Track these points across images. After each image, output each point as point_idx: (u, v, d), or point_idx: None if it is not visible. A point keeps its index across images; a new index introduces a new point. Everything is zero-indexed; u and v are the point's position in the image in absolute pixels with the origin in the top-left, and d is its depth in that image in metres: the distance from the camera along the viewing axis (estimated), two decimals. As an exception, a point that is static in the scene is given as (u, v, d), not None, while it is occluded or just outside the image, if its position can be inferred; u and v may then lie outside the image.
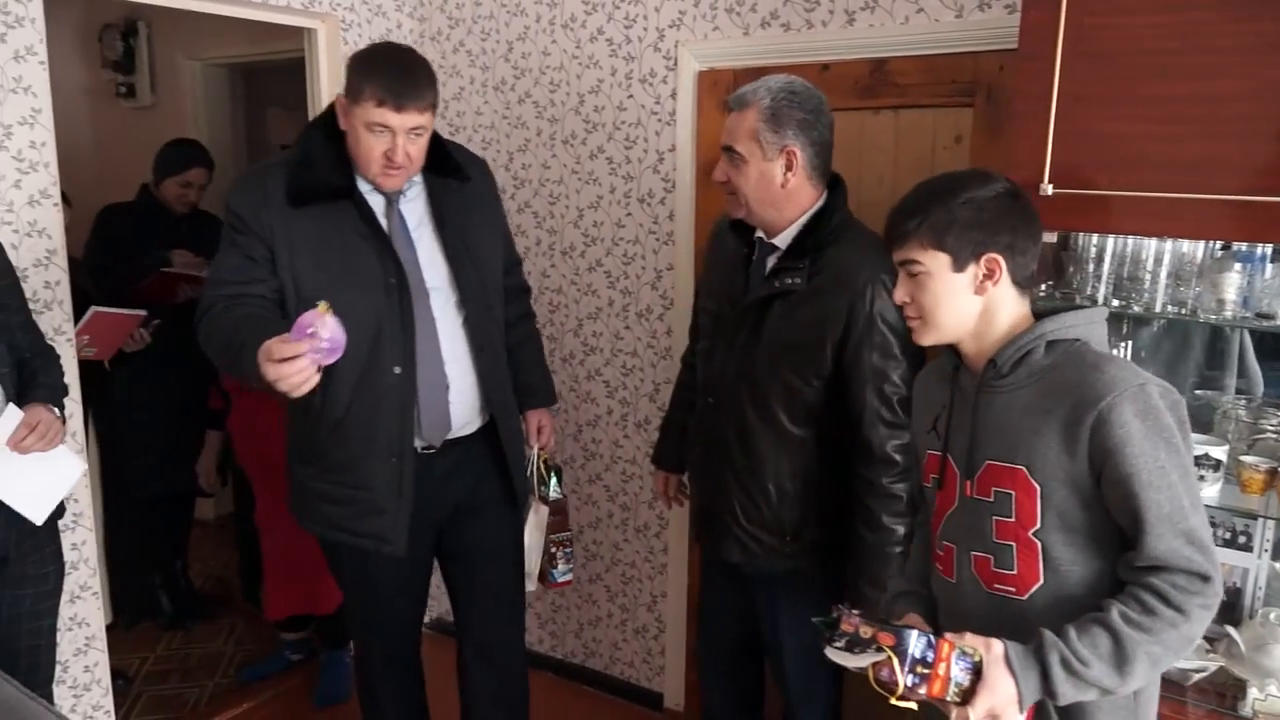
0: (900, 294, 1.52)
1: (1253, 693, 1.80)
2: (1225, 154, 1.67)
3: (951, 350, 1.56)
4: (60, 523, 2.25)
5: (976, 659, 1.34)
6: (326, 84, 3.11)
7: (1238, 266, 1.78)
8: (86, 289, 2.94)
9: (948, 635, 1.36)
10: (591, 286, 3.11)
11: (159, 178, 3.39)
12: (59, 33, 3.08)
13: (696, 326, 2.41)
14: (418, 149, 2.01)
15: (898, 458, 1.94)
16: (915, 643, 1.32)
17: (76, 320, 2.55)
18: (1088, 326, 1.47)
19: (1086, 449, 1.37)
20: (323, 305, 1.67)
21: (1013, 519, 1.44)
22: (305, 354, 1.65)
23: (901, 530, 1.95)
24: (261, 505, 3.12)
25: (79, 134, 4.31)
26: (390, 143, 1.95)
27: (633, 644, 3.23)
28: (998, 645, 1.35)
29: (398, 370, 2.05)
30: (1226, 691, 1.85)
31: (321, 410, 2.07)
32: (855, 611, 1.39)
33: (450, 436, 2.20)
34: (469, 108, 3.29)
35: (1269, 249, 1.79)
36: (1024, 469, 1.42)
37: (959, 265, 1.45)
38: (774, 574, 2.12)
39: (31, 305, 2.25)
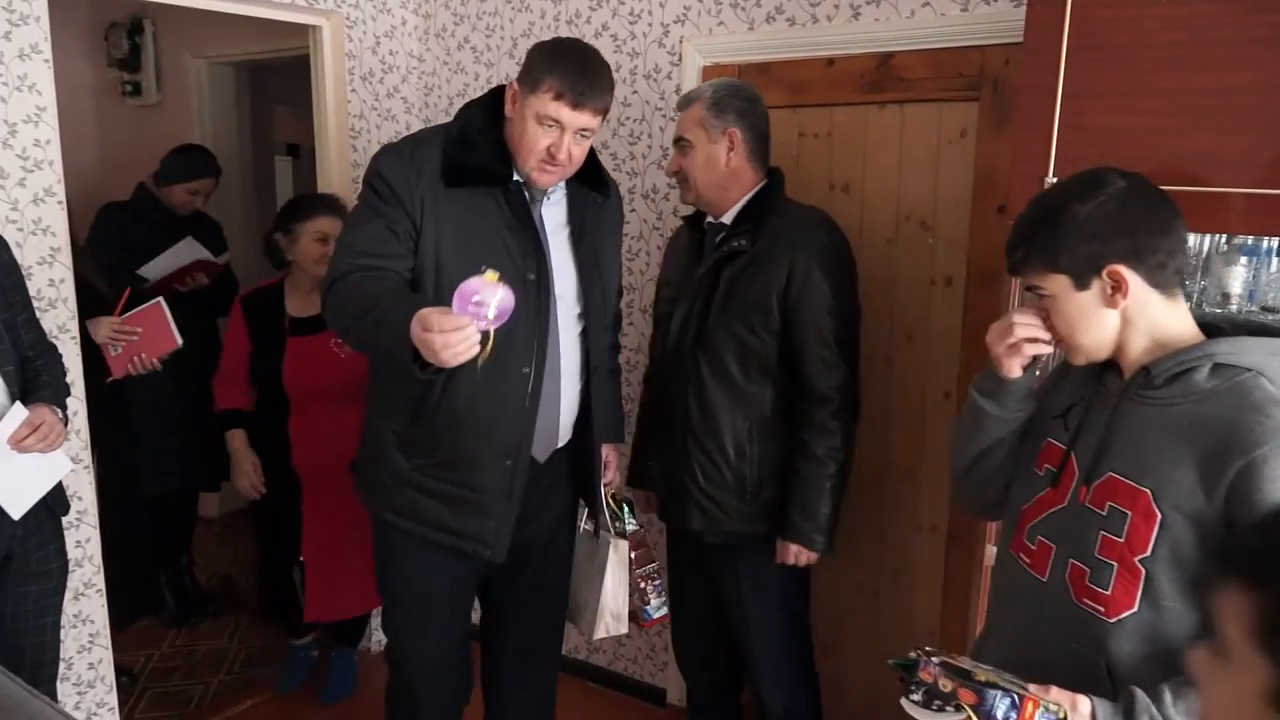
0: (1040, 319, 1.44)
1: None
2: (1232, 147, 1.65)
3: None
4: (64, 520, 2.25)
5: (1061, 716, 1.27)
6: (331, 81, 3.11)
7: (1243, 260, 1.76)
8: (98, 287, 2.94)
9: (1032, 690, 1.28)
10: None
11: (166, 181, 3.40)
12: (64, 31, 3.08)
13: (655, 337, 2.50)
14: (580, 151, 1.95)
15: (835, 396, 2.17)
16: (999, 703, 1.25)
17: (81, 317, 2.54)
18: (1268, 359, 1.31)
19: (1225, 493, 1.26)
20: (491, 273, 1.58)
21: (1121, 539, 1.35)
22: (470, 325, 1.56)
23: (834, 466, 2.18)
24: (310, 509, 2.99)
25: (85, 132, 4.31)
26: (556, 139, 1.89)
27: (636, 640, 3.22)
28: (1084, 703, 1.27)
29: (525, 370, 1.97)
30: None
31: (440, 401, 1.97)
32: (935, 658, 1.32)
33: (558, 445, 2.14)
34: (473, 104, 3.28)
35: (1275, 242, 1.77)
36: (1149, 492, 1.32)
37: (1081, 284, 1.37)
38: (734, 540, 2.28)
39: (35, 303, 2.25)
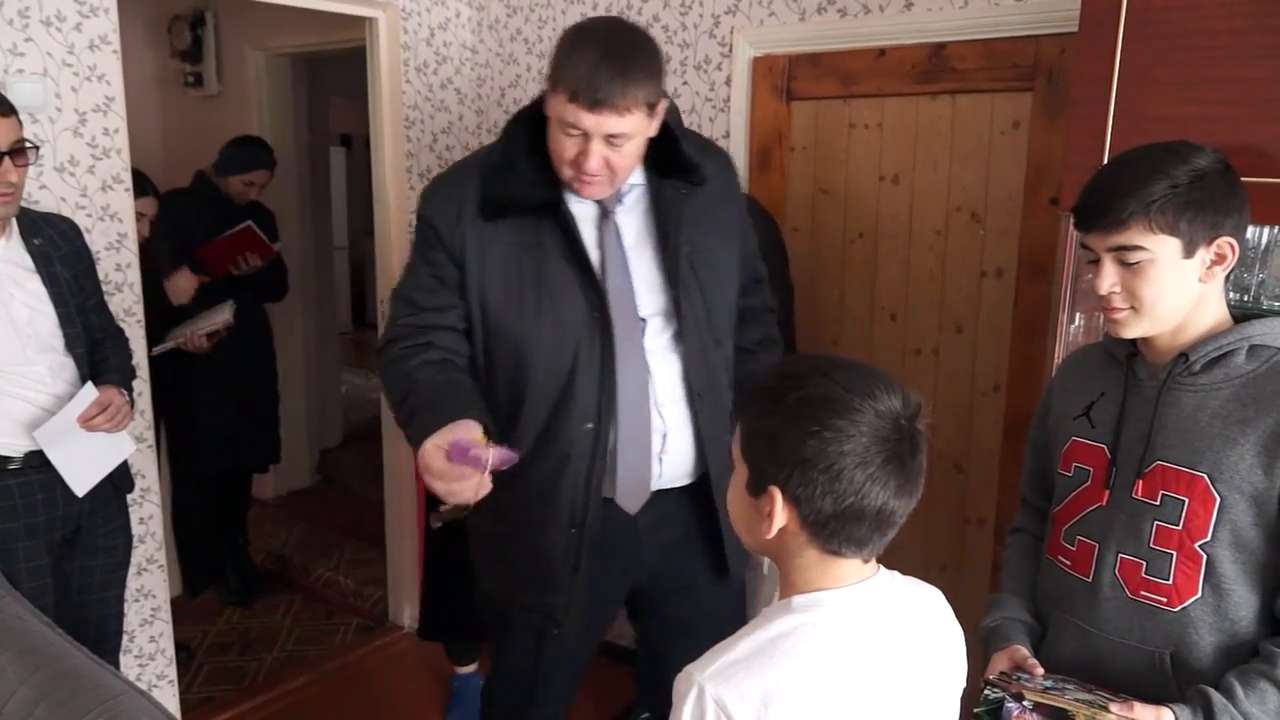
0: (1107, 283, 1.34)
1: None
2: (1292, 137, 1.63)
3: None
4: (129, 497, 2.33)
5: None
6: (387, 73, 3.16)
7: (1304, 253, 1.73)
8: (161, 271, 3.05)
9: (1115, 710, 1.29)
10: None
11: (224, 172, 3.49)
12: (130, 23, 3.16)
13: None
14: (622, 157, 1.63)
15: None
16: None
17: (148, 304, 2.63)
18: None
19: None
20: (481, 435, 1.49)
21: (1179, 527, 1.34)
22: (471, 474, 1.47)
23: None
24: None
25: (148, 122, 4.43)
26: (582, 146, 1.60)
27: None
28: (1168, 715, 1.28)
29: (589, 426, 1.71)
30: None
31: None
32: (1025, 701, 1.32)
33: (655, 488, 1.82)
34: (525, 95, 3.31)
35: (1338, 236, 1.74)
36: (1205, 477, 1.32)
37: (1189, 250, 1.30)
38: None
39: (103, 287, 2.33)
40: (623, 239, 1.75)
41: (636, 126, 1.60)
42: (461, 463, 1.47)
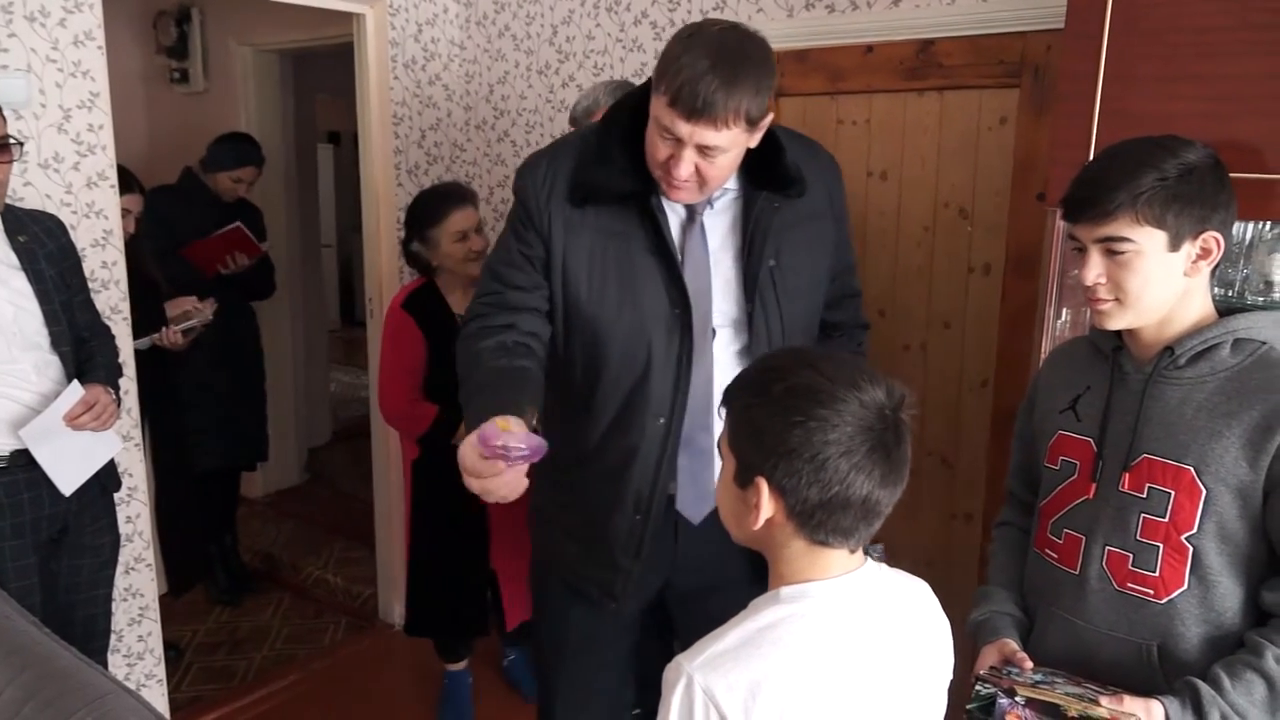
0: (1093, 274, 1.35)
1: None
2: (1276, 133, 1.63)
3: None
4: (116, 496, 2.32)
5: None
6: (374, 70, 3.15)
7: (1288, 248, 1.74)
8: (152, 276, 3.03)
9: (1105, 703, 1.30)
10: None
11: (211, 169, 3.48)
12: (115, 18, 3.14)
13: None
14: (715, 169, 1.56)
15: None
16: None
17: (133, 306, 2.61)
18: (1274, 330, 1.35)
19: (1270, 461, 1.29)
20: (500, 421, 1.44)
21: (1165, 519, 1.36)
22: (505, 469, 1.42)
23: None
24: (499, 518, 2.75)
25: (133, 118, 4.40)
26: (675, 151, 1.54)
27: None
28: (1158, 708, 1.30)
29: (661, 421, 1.69)
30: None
31: (571, 438, 1.76)
32: (1018, 697, 1.32)
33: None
34: (514, 91, 3.31)
35: (1322, 231, 1.75)
36: (1191, 469, 1.33)
37: (1175, 244, 1.31)
38: None
39: (89, 284, 2.32)
40: (708, 241, 1.70)
41: (733, 140, 1.53)
42: (491, 457, 1.41)
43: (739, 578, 1.75)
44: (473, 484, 1.43)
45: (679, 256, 1.67)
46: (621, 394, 1.70)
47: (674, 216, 1.69)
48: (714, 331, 1.71)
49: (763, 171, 1.68)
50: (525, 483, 1.45)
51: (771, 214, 1.70)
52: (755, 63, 1.50)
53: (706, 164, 1.55)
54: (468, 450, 1.43)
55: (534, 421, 1.51)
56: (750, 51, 1.50)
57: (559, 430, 1.69)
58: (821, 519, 1.06)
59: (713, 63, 1.46)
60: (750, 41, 1.52)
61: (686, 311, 1.66)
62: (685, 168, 1.54)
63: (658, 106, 1.53)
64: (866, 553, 1.60)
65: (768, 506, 1.07)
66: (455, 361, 1.74)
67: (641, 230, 1.66)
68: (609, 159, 1.66)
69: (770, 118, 1.58)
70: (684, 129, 1.50)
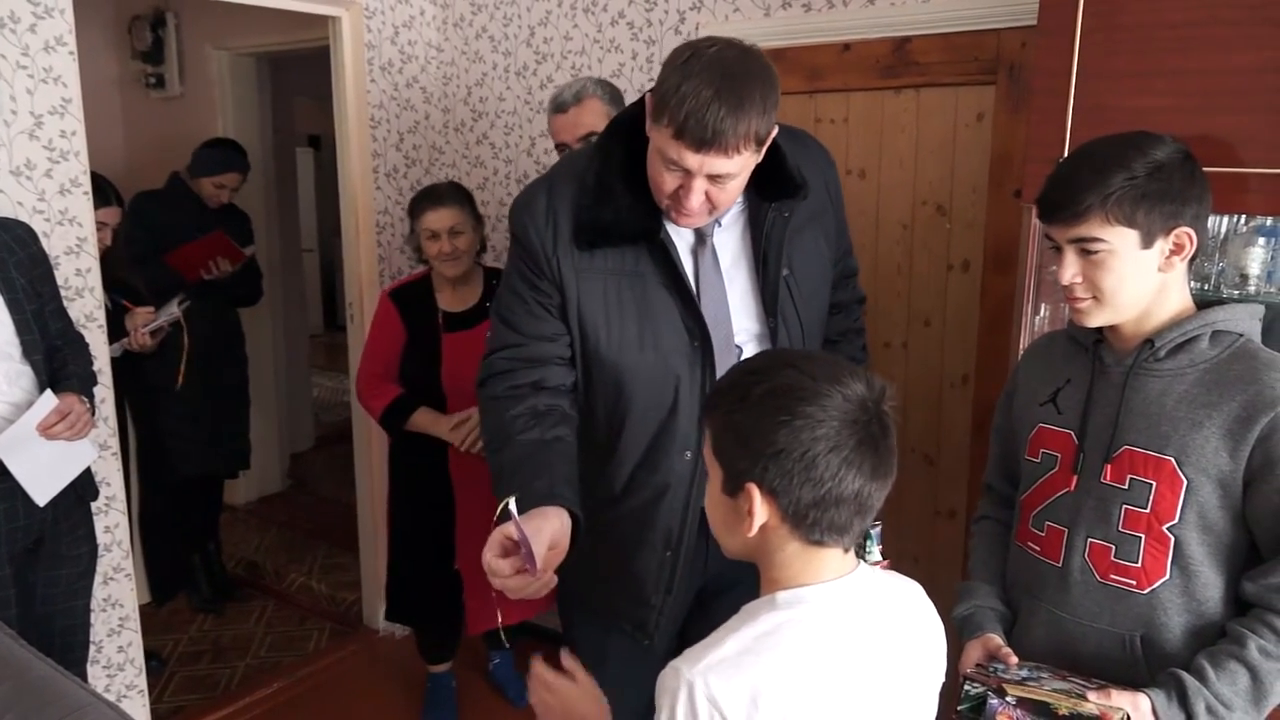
0: (1069, 274, 1.37)
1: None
2: (1250, 127, 1.64)
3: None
4: (93, 505, 2.30)
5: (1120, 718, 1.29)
6: (351, 72, 3.14)
7: (1261, 241, 1.75)
8: (133, 284, 3.00)
9: (1092, 698, 1.30)
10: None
11: (195, 174, 3.45)
12: (88, 24, 3.12)
13: None
14: (725, 194, 1.51)
15: None
16: None
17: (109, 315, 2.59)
18: (1251, 323, 1.38)
19: (1249, 451, 1.30)
20: (538, 518, 1.40)
21: (1147, 510, 1.37)
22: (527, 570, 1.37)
23: None
24: (465, 516, 2.79)
25: (109, 124, 4.36)
26: (684, 182, 1.47)
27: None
28: (1144, 701, 1.30)
29: (688, 455, 1.65)
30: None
31: (596, 482, 1.71)
32: (1009, 698, 1.32)
33: None
34: (491, 93, 3.30)
35: (1295, 223, 1.76)
36: (1172, 460, 1.34)
37: (1147, 241, 1.32)
38: None
39: (62, 292, 2.30)
40: (720, 261, 1.66)
41: (744, 165, 1.47)
42: (528, 561, 1.36)
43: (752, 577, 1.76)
44: (494, 582, 1.38)
45: (694, 288, 1.62)
46: (649, 434, 1.65)
47: (682, 243, 1.63)
48: (739, 350, 1.66)
49: (766, 179, 1.61)
50: (552, 582, 1.40)
51: (783, 225, 1.65)
52: (760, 80, 1.42)
53: (717, 190, 1.48)
54: (490, 544, 1.39)
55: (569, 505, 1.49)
56: (753, 69, 1.42)
57: (582, 475, 1.62)
58: (816, 518, 1.05)
59: (717, 89, 1.38)
60: (750, 57, 1.44)
61: (706, 342, 1.61)
62: (696, 198, 1.47)
63: (661, 138, 1.45)
64: (867, 533, 1.66)
65: (761, 512, 1.06)
66: (481, 418, 1.69)
67: (654, 266, 1.60)
68: (611, 194, 1.58)
69: (775, 131, 1.52)
70: (693, 161, 1.43)
